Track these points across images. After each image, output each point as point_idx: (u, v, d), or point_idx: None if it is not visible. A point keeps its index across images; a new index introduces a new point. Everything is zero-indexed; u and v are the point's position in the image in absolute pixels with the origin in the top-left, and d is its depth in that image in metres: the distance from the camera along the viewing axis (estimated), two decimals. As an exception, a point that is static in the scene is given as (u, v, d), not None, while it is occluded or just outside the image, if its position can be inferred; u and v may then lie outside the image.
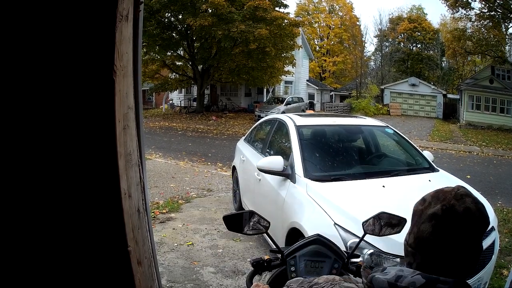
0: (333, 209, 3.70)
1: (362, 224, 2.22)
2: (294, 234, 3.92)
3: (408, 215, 3.23)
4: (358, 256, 2.52)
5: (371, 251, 3.24)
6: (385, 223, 2.19)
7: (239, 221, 2.14)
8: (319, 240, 2.18)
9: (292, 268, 2.10)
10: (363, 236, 2.26)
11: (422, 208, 1.33)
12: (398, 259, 3.22)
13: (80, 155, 1.21)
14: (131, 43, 1.41)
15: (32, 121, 1.18)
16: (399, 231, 2.16)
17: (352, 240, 3.31)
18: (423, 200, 1.36)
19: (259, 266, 2.19)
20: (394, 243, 3.10)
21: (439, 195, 1.31)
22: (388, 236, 2.28)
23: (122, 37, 1.27)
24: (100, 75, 1.19)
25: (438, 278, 1.20)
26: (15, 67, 1.17)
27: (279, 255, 2.20)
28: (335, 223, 3.51)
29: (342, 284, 1.42)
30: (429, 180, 4.51)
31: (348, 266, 2.14)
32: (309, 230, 3.62)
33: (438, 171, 4.97)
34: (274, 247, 2.22)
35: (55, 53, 1.18)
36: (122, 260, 1.36)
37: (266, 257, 2.22)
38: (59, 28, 1.18)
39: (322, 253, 2.13)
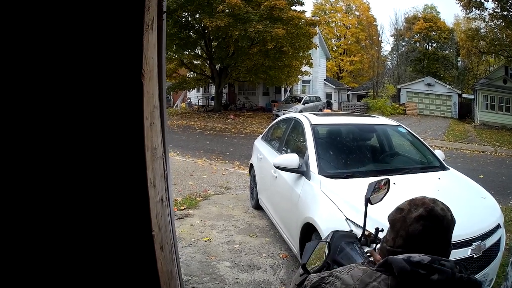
0: (345, 204, 3.79)
1: (368, 199, 2.40)
2: (308, 229, 4.04)
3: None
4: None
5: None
6: (387, 191, 2.49)
7: None
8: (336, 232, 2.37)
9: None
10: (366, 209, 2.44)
11: (403, 215, 1.53)
12: None
13: (114, 147, 1.37)
14: (156, 48, 1.57)
15: (73, 117, 1.35)
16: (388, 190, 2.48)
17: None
18: (400, 209, 1.57)
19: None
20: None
21: (416, 202, 1.55)
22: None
23: (148, 44, 1.43)
24: (131, 78, 1.35)
25: (440, 258, 1.38)
26: (66, 70, 1.35)
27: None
28: (346, 218, 3.62)
29: (357, 268, 1.57)
30: (439, 178, 4.55)
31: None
32: (322, 225, 3.74)
33: (448, 169, 5.01)
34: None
35: (91, 60, 1.35)
36: (146, 244, 1.52)
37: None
38: (93, 37, 1.34)
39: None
